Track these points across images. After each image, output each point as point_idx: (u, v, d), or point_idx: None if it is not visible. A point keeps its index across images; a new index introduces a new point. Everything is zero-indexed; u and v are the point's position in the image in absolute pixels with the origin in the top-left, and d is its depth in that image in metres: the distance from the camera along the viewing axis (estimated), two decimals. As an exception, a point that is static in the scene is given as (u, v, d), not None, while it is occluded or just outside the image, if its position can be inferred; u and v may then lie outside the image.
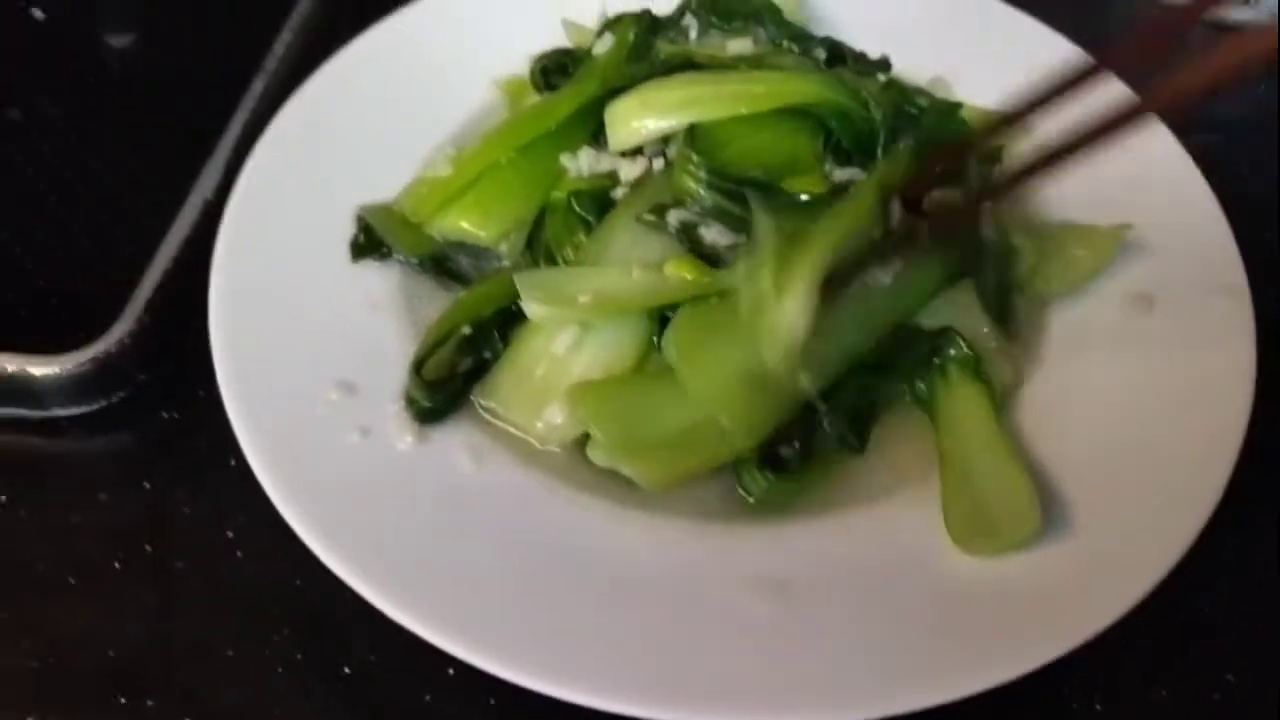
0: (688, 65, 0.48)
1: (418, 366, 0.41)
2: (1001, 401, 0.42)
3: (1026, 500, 0.38)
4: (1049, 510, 0.38)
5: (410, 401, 0.41)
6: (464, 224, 0.45)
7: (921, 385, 0.42)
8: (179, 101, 0.53)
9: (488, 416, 0.41)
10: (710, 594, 0.37)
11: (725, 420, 0.39)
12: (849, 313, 0.41)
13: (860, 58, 0.50)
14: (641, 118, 0.45)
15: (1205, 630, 0.40)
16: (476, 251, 0.46)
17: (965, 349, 0.41)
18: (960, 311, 0.43)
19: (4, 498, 0.42)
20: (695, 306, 0.41)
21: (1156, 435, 0.41)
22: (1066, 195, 0.47)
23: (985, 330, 0.43)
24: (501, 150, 0.46)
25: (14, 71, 0.54)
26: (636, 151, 0.46)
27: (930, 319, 0.43)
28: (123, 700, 0.37)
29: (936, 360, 0.42)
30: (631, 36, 0.49)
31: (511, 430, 0.41)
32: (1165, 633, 0.39)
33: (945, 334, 0.42)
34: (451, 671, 0.37)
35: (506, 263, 0.45)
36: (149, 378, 0.44)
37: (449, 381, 0.41)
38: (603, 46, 0.49)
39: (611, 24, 0.51)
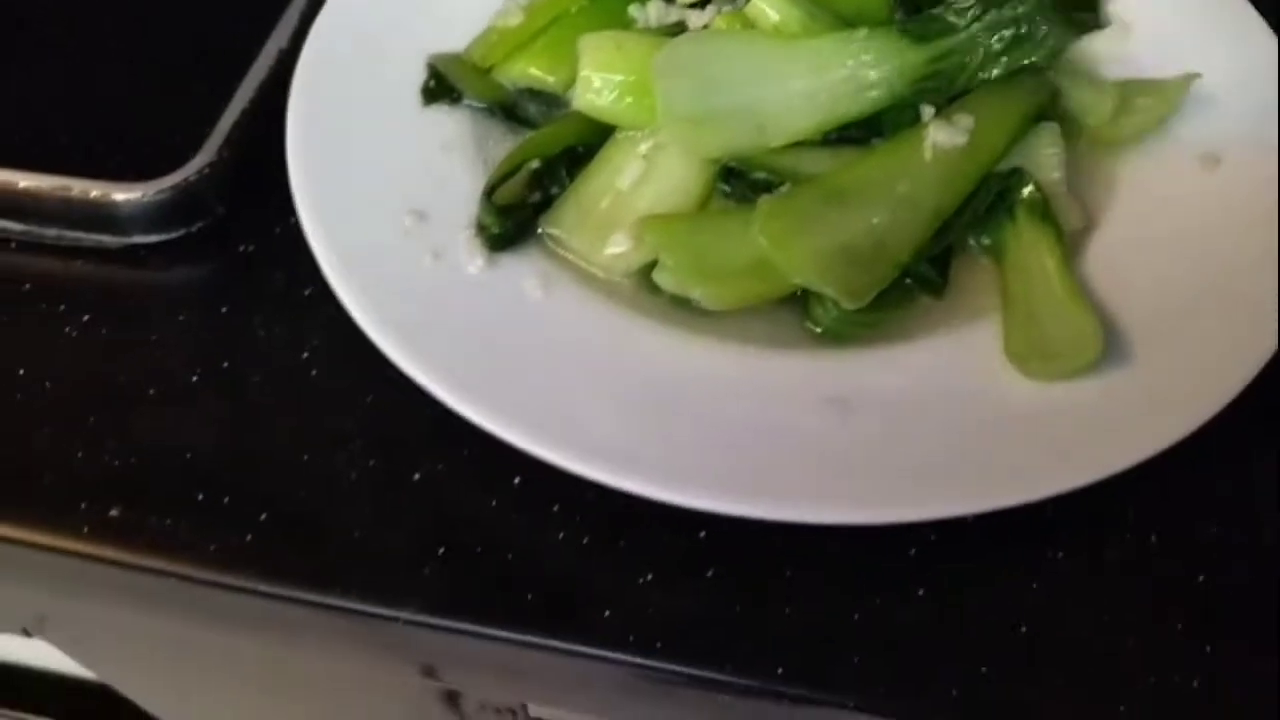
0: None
1: (489, 193, 0.42)
2: (1070, 246, 0.42)
3: (1089, 328, 0.38)
4: (1108, 344, 0.39)
5: (481, 228, 0.41)
6: (533, 70, 0.46)
7: (991, 226, 0.42)
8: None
9: (553, 245, 0.42)
10: (772, 406, 0.37)
11: (829, 293, 0.39)
12: (927, 177, 0.41)
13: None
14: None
15: (1257, 470, 0.39)
16: (545, 99, 0.46)
17: (1035, 190, 0.41)
18: (1031, 154, 0.43)
19: (86, 317, 0.43)
20: (781, 195, 0.41)
21: (1219, 285, 0.41)
22: (1130, 54, 0.47)
23: (1056, 175, 0.42)
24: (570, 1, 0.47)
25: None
26: (704, 2, 0.46)
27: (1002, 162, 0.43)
28: (200, 498, 0.38)
29: (1006, 202, 0.42)
30: None
31: (576, 260, 0.42)
32: (1219, 471, 0.39)
33: (1016, 175, 0.42)
34: (518, 481, 0.38)
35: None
36: (227, 210, 0.45)
37: (518, 209, 0.42)
38: None
39: None
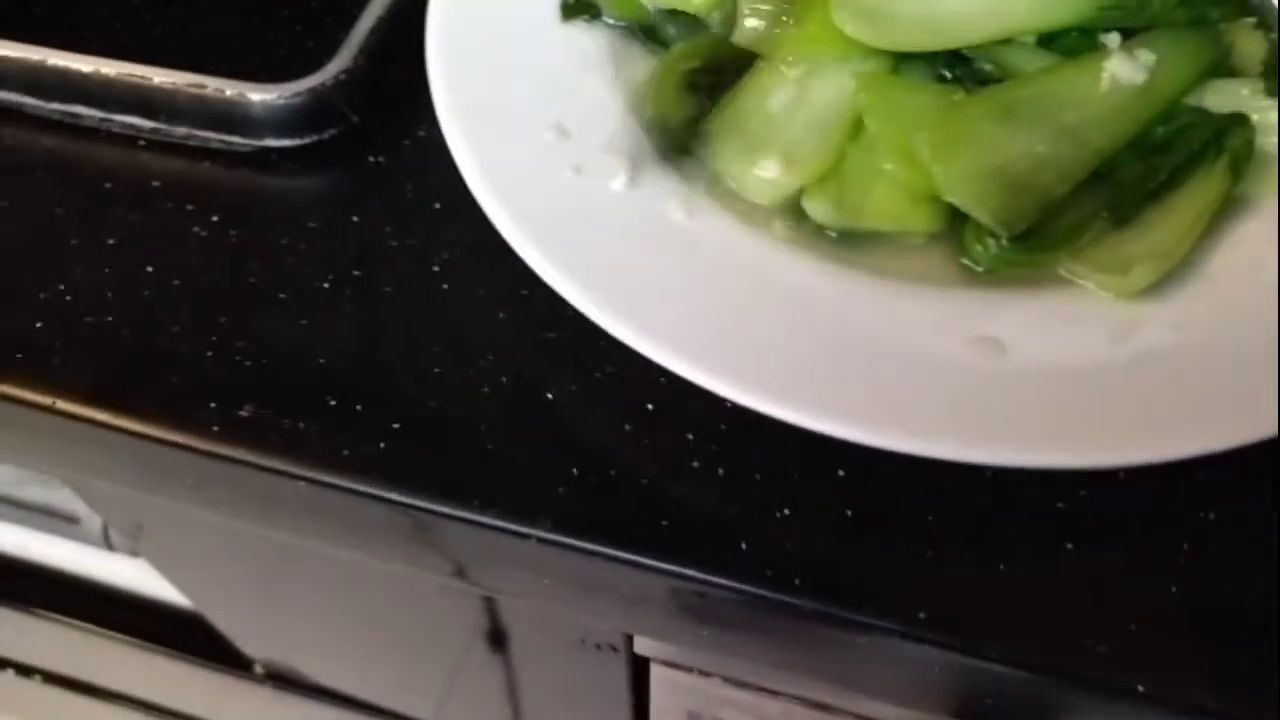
0: None
1: (661, 89, 0.41)
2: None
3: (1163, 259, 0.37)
4: (1271, 294, 0.37)
5: (660, 133, 0.41)
6: None
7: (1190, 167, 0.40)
8: None
9: (699, 168, 0.41)
10: (922, 340, 0.36)
11: (980, 215, 0.38)
12: (1098, 111, 0.39)
13: None
14: None
15: None
16: (686, 21, 0.45)
17: (1247, 143, 0.40)
18: (1247, 109, 0.41)
19: (215, 217, 0.42)
20: (947, 109, 0.40)
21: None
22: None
23: (1272, 138, 0.40)
24: None
25: None
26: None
27: (1226, 104, 0.41)
28: (332, 402, 0.38)
29: (1219, 145, 0.40)
30: None
31: (724, 179, 0.40)
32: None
33: (1239, 121, 0.40)
34: (651, 407, 0.37)
35: (716, 29, 0.44)
36: (359, 119, 0.44)
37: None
38: None
39: None
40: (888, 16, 0.39)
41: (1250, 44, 0.43)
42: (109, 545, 0.66)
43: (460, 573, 0.39)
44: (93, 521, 0.64)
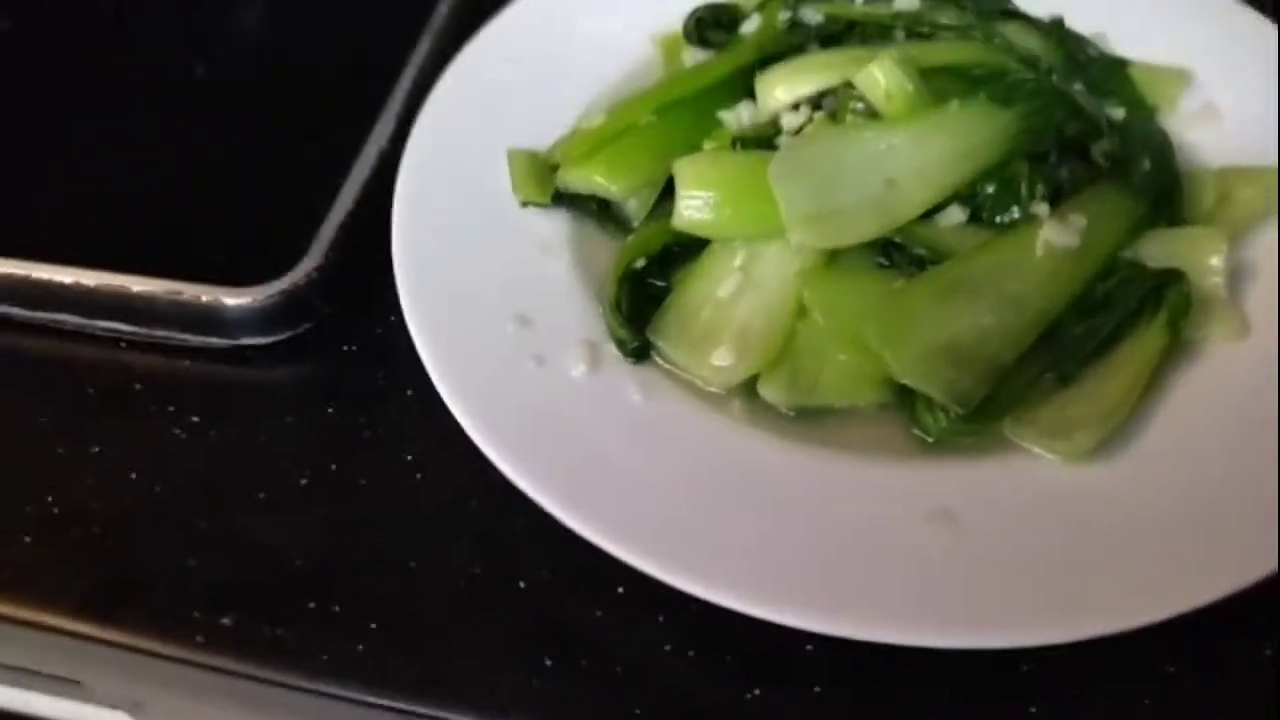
0: (847, 28, 0.49)
1: (617, 305, 0.42)
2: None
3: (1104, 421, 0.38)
4: (1215, 443, 0.39)
5: (620, 344, 0.42)
6: (597, 177, 0.45)
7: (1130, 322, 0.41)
8: (352, 60, 0.55)
9: (657, 356, 0.42)
10: (877, 520, 0.37)
11: (934, 394, 0.39)
12: (1036, 278, 0.41)
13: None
14: (790, 82, 0.46)
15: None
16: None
17: (1185, 296, 0.41)
18: (1194, 257, 0.42)
19: (195, 418, 0.44)
20: (890, 295, 0.41)
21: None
22: (1223, 145, 0.47)
23: (1217, 280, 0.42)
24: (642, 112, 0.47)
25: (202, 32, 0.58)
26: (795, 105, 0.47)
27: (1164, 255, 0.43)
28: (311, 605, 0.39)
29: (1158, 301, 0.41)
30: (780, 14, 0.50)
31: (680, 372, 0.42)
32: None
33: (1176, 275, 0.42)
34: (621, 590, 0.38)
35: (635, 221, 0.46)
36: (332, 312, 0.46)
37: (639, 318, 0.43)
38: (750, 26, 0.50)
39: (762, 3, 0.51)
40: (831, 215, 0.41)
41: (1198, 190, 0.46)
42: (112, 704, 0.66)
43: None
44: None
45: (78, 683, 0.66)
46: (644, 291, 0.44)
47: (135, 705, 0.58)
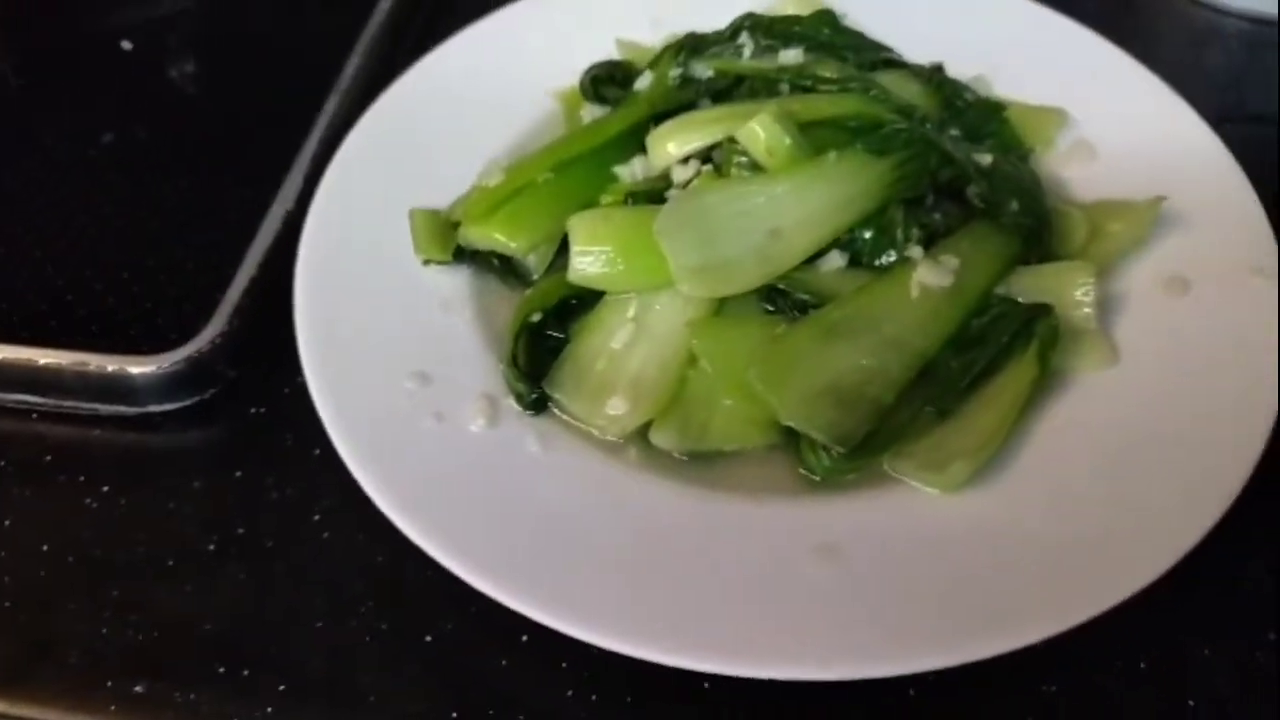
0: (735, 82, 0.51)
1: (514, 359, 0.44)
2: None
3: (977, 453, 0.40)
4: (1087, 469, 0.41)
5: (519, 396, 0.43)
6: (497, 235, 0.47)
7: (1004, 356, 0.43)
8: (257, 123, 0.57)
9: (554, 407, 0.44)
10: (765, 559, 0.39)
11: (816, 435, 0.41)
12: (913, 318, 0.43)
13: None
14: (680, 137, 0.47)
15: (1247, 589, 0.41)
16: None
17: (1053, 329, 0.43)
18: (1062, 290, 0.44)
19: (105, 487, 0.45)
20: (773, 340, 0.43)
21: (1194, 411, 0.42)
22: (1097, 180, 0.49)
23: (1087, 311, 0.44)
24: (539, 169, 0.48)
25: (107, 99, 0.59)
26: (685, 159, 0.48)
27: (1035, 290, 0.45)
28: (221, 670, 0.40)
29: (1028, 334, 0.43)
30: (671, 70, 0.52)
31: (576, 423, 0.43)
32: (1209, 593, 0.40)
33: (1045, 310, 0.44)
34: (525, 639, 0.40)
35: (535, 275, 0.47)
36: (238, 375, 0.47)
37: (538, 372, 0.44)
38: (644, 82, 0.52)
39: (654, 60, 0.53)
40: (716, 266, 0.43)
41: (1071, 226, 0.48)
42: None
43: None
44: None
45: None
46: (542, 344, 0.45)
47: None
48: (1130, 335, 0.45)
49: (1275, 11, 0.62)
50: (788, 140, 0.44)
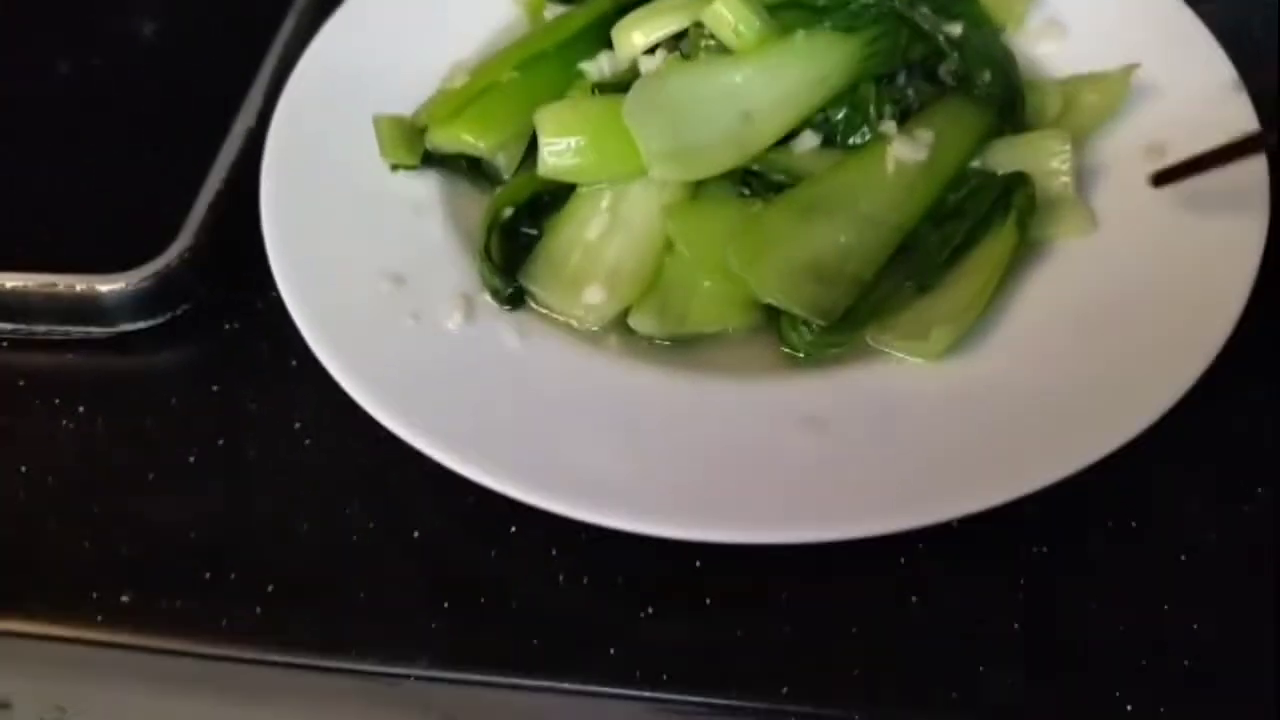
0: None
1: (487, 253, 0.43)
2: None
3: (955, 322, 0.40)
4: (1072, 339, 0.40)
5: (494, 292, 0.43)
6: (464, 135, 0.46)
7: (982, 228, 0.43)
8: (215, 45, 0.55)
9: (530, 300, 0.43)
10: (750, 432, 0.39)
11: (797, 310, 0.40)
12: (889, 194, 0.43)
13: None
14: (645, 26, 0.46)
15: (1235, 445, 0.41)
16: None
17: (1029, 197, 0.43)
18: (1038, 159, 0.44)
19: (81, 408, 0.44)
20: (750, 219, 0.42)
21: (1174, 273, 0.42)
22: (1068, 57, 0.49)
23: (1065, 180, 0.44)
24: (504, 69, 0.48)
25: (60, 30, 0.57)
26: (653, 49, 0.48)
27: (1011, 162, 0.44)
28: (208, 576, 0.39)
29: (1005, 204, 0.43)
30: None
31: (552, 314, 0.43)
32: (1196, 450, 0.40)
33: (1020, 178, 0.43)
34: (513, 529, 0.39)
35: (505, 175, 0.47)
36: (209, 291, 0.46)
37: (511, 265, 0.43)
38: None
39: None
40: (690, 151, 0.42)
41: (1044, 100, 0.47)
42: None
43: (358, 717, 0.41)
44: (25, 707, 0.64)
45: (6, 705, 0.66)
46: (516, 240, 0.44)
47: (59, 711, 0.58)
48: (1108, 203, 0.44)
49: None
50: (756, 20, 0.43)
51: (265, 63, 0.52)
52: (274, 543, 0.40)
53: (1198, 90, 0.47)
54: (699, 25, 0.45)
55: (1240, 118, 0.46)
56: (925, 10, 0.48)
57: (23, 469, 0.43)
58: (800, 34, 0.44)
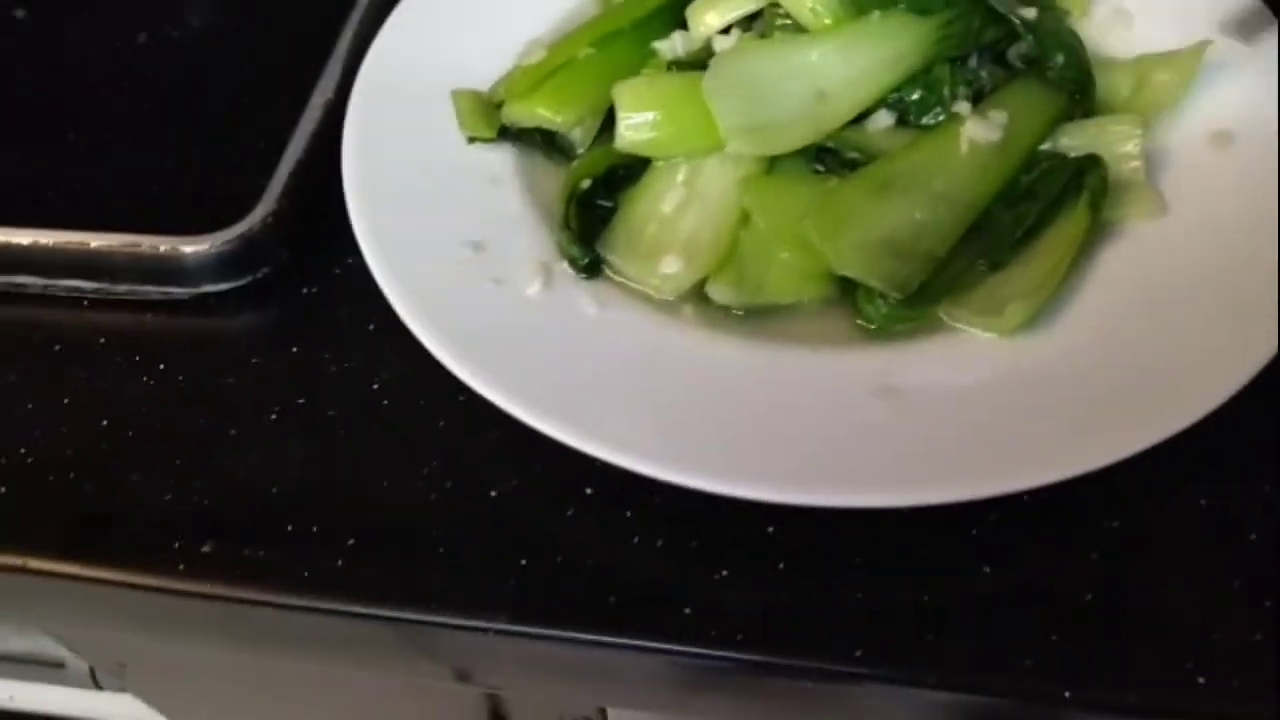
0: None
1: (566, 223, 0.44)
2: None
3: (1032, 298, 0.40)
4: (1139, 313, 0.41)
5: (572, 260, 0.43)
6: (541, 110, 0.47)
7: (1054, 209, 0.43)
8: (294, 16, 0.57)
9: (608, 269, 0.44)
10: (826, 400, 0.39)
11: (873, 283, 0.41)
12: (963, 173, 0.43)
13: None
14: (720, 6, 0.47)
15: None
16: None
17: (1102, 179, 0.43)
18: (1110, 142, 0.44)
19: (162, 366, 0.45)
20: (827, 194, 0.43)
21: (1243, 255, 0.42)
22: (1135, 47, 0.49)
23: (1135, 164, 0.44)
24: (580, 45, 0.48)
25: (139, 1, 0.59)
26: (728, 29, 0.48)
27: (1083, 144, 0.45)
28: (289, 528, 0.40)
29: (1078, 186, 0.43)
30: None
31: (630, 283, 0.44)
32: (1265, 430, 0.40)
33: (1093, 160, 0.44)
34: (589, 490, 0.40)
35: (580, 150, 0.48)
36: (290, 255, 0.47)
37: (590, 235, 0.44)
38: None
39: None
40: (765, 125, 0.43)
41: (1116, 80, 0.48)
42: (97, 685, 0.67)
43: (432, 670, 0.41)
44: (78, 664, 0.65)
45: (60, 665, 0.67)
46: (592, 212, 0.45)
47: (120, 667, 0.59)
48: (1176, 186, 0.45)
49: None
50: (832, 1, 0.44)
51: (342, 36, 0.53)
52: (355, 499, 0.41)
53: (1263, 80, 0.47)
54: (775, 4, 0.46)
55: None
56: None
57: (104, 423, 0.44)
58: (876, 15, 0.45)
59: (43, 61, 0.57)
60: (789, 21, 0.45)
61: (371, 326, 0.45)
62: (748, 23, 0.47)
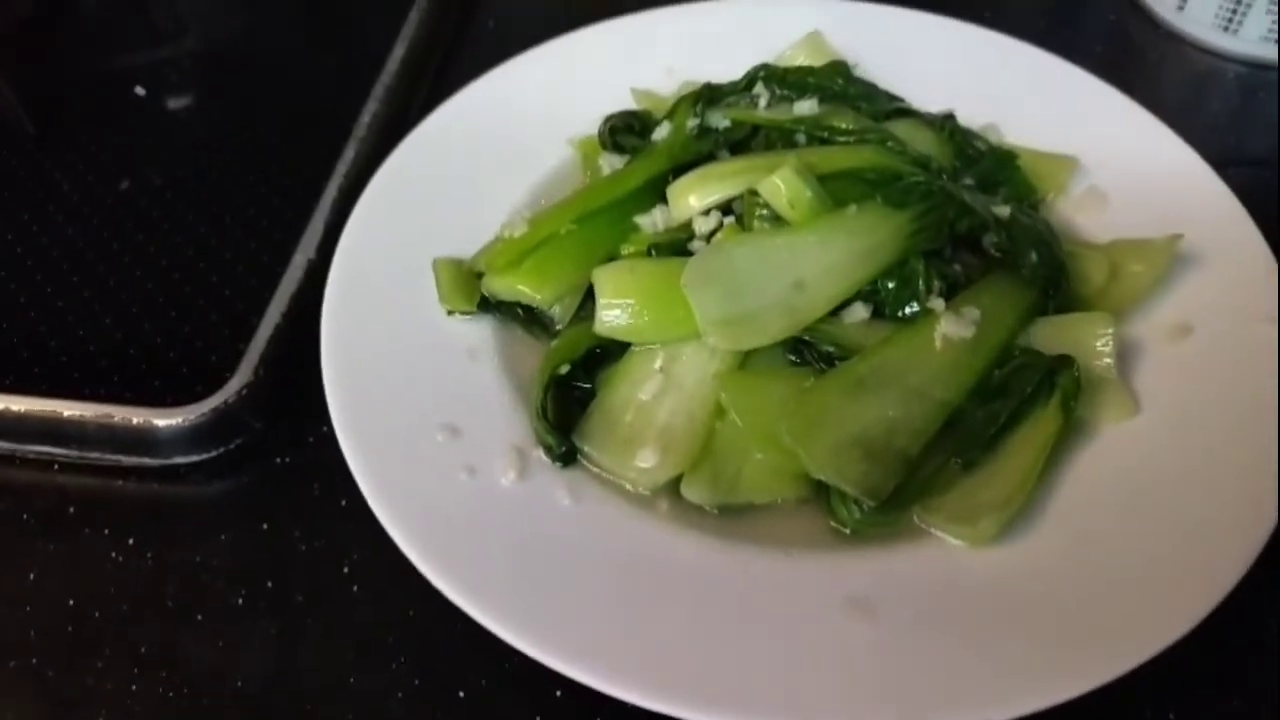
0: (752, 132, 0.52)
1: (542, 412, 0.44)
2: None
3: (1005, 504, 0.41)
4: (1112, 526, 0.41)
5: (548, 449, 0.44)
6: (522, 286, 0.47)
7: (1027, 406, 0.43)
8: (275, 171, 0.57)
9: (583, 459, 0.44)
10: (798, 614, 0.39)
11: (846, 488, 0.41)
12: (937, 369, 0.44)
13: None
14: (700, 190, 0.48)
15: (1273, 643, 0.41)
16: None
17: (1074, 379, 0.43)
18: (1082, 341, 0.45)
19: (131, 540, 0.45)
20: (803, 393, 0.43)
21: (1217, 458, 0.43)
22: (1109, 226, 0.50)
23: (1108, 361, 0.45)
24: (562, 221, 0.49)
25: (123, 146, 0.59)
26: (706, 211, 0.48)
27: (1056, 342, 0.45)
28: (253, 727, 0.40)
29: (1050, 385, 0.44)
30: (689, 120, 0.52)
31: (606, 475, 0.44)
32: (1234, 646, 0.41)
33: (1066, 360, 0.44)
34: (558, 694, 0.40)
35: (559, 325, 0.48)
36: (263, 426, 0.47)
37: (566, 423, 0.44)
38: (662, 133, 0.53)
39: (672, 111, 0.54)
40: (742, 318, 0.43)
41: (1091, 268, 0.48)
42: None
43: None
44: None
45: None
46: (570, 395, 0.45)
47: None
48: (1145, 382, 0.45)
49: (1274, 56, 0.63)
50: (809, 193, 0.45)
51: (325, 193, 0.53)
52: (320, 696, 0.40)
53: (1230, 268, 0.48)
54: (754, 193, 0.46)
55: (1271, 300, 0.47)
56: (970, 182, 0.50)
57: (70, 602, 0.43)
58: (853, 208, 0.46)
59: (23, 210, 0.56)
60: (767, 211, 0.46)
61: (343, 502, 0.45)
62: (727, 205, 0.48)
